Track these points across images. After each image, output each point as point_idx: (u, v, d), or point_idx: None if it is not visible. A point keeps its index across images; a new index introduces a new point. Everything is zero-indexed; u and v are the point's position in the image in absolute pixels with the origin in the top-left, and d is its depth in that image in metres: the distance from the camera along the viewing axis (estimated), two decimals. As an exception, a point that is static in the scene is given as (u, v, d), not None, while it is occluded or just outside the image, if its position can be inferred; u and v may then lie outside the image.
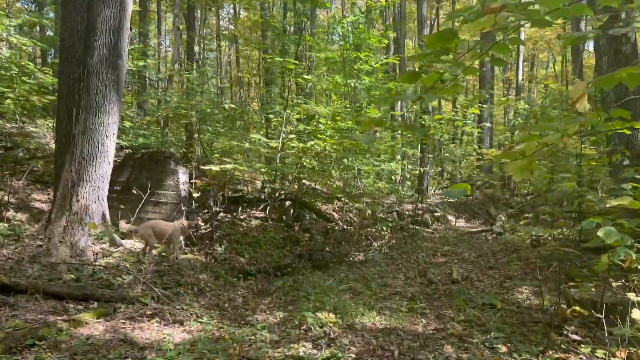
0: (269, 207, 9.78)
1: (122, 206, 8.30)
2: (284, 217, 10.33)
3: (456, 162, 16.46)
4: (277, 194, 10.97)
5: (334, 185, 11.01)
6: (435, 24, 24.70)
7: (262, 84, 19.78)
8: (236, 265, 7.79)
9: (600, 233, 3.91)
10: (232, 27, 29.61)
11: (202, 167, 8.54)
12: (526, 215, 7.09)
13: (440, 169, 17.48)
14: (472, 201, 15.83)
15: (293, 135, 9.84)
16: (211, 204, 10.43)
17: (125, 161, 9.27)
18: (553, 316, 5.15)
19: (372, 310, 5.60)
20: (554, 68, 33.24)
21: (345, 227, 11.00)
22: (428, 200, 15.29)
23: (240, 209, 10.73)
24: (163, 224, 7.52)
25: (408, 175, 17.47)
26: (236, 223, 9.11)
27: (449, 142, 15.94)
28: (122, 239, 8.16)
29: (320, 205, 12.09)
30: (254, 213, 10.48)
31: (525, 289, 6.87)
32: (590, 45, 28.55)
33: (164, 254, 7.46)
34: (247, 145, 9.21)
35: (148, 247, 7.45)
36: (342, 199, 12.07)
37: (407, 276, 7.66)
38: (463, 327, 5.06)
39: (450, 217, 13.40)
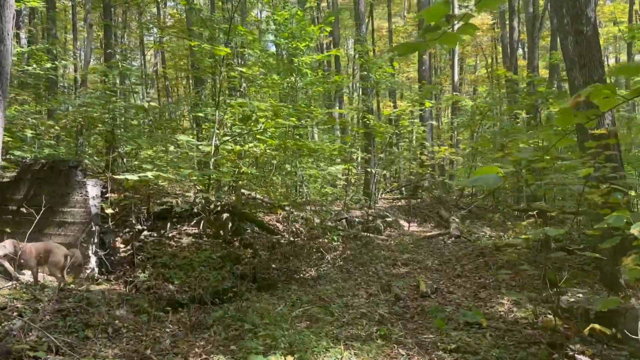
0: (202, 222, 8.47)
1: (8, 230, 6.74)
2: (221, 232, 9.04)
3: (405, 162, 15.75)
4: (212, 206, 9.66)
5: (277, 194, 9.86)
6: (370, 23, 24.27)
7: (190, 86, 18.27)
8: (164, 294, 6.43)
9: (635, 230, 3.05)
10: (156, 30, 27.62)
11: (117, 177, 7.10)
12: (530, 213, 6.25)
13: (384, 171, 16.74)
14: (421, 204, 15.19)
15: (227, 138, 8.60)
16: (133, 222, 8.95)
17: (21, 175, 7.63)
18: (558, 335, 4.28)
19: (337, 343, 4.51)
20: (487, 69, 33.95)
21: (292, 239, 9.86)
22: (376, 205, 14.46)
23: (168, 225, 9.29)
24: (52, 247, 6.13)
25: (352, 180, 16.63)
26: (163, 242, 7.73)
27: (396, 141, 15.18)
28: (22, 269, 6.60)
29: (263, 217, 10.88)
30: (185, 229, 9.10)
31: (505, 300, 6.04)
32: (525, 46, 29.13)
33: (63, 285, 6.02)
34: (172, 148, 7.81)
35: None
36: (287, 208, 10.94)
37: (370, 292, 6.64)
38: (454, 359, 4.07)
39: (402, 222, 12.61)
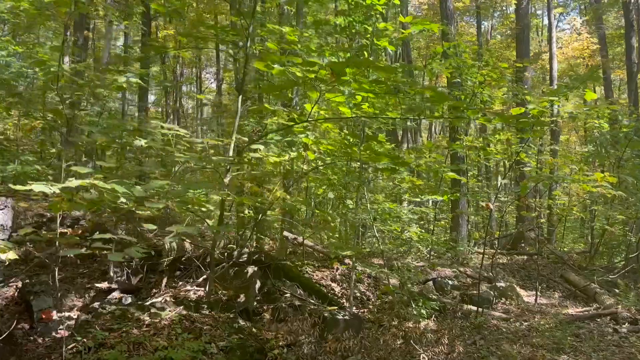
0: (209, 279, 5.21)
1: None
2: (241, 296, 5.75)
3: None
4: (235, 253, 6.46)
5: (333, 239, 6.55)
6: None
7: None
8: None
9: None
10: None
11: (15, 187, 3.89)
12: None
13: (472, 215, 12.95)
14: (532, 264, 11.29)
15: (259, 146, 5.41)
16: (111, 274, 5.90)
17: None
18: None
19: None
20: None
21: (356, 310, 6.41)
22: (471, 261, 10.74)
23: (164, 282, 6.18)
24: None
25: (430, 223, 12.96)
26: (130, 316, 4.48)
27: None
28: None
29: (312, 272, 7.53)
30: (186, 289, 5.90)
31: None
32: None
33: None
34: (141, 143, 4.53)
35: None
36: (348, 262, 7.57)
37: None
38: None
39: (519, 290, 8.79)
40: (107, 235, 3.63)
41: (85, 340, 3.96)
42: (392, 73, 3.65)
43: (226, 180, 5.08)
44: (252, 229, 5.92)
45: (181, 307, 4.72)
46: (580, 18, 32.21)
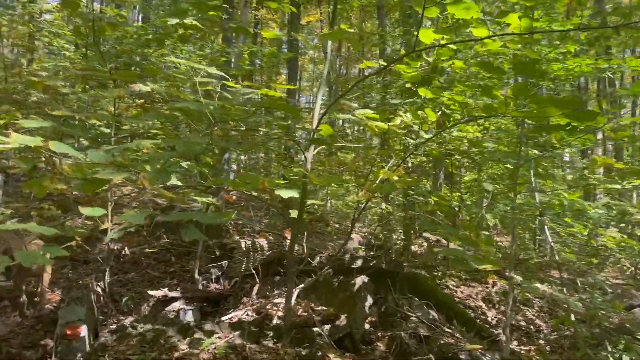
0: (287, 293, 3.74)
1: None
2: (342, 317, 4.18)
3: None
4: (335, 257, 4.96)
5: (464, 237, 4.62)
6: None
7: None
8: None
9: None
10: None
11: None
12: None
13: None
14: None
15: (366, 110, 3.78)
16: (196, 274, 4.89)
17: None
18: None
19: None
20: None
21: (517, 346, 4.41)
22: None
23: (256, 288, 4.97)
24: None
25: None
26: (164, 341, 3.22)
27: None
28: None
29: (455, 287, 5.66)
30: (275, 302, 4.58)
31: None
32: None
33: None
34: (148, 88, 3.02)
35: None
36: (510, 275, 5.52)
37: None
38: None
39: None
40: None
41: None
42: None
43: (309, 155, 3.58)
44: (353, 223, 4.29)
45: (237, 333, 3.32)
46: None
